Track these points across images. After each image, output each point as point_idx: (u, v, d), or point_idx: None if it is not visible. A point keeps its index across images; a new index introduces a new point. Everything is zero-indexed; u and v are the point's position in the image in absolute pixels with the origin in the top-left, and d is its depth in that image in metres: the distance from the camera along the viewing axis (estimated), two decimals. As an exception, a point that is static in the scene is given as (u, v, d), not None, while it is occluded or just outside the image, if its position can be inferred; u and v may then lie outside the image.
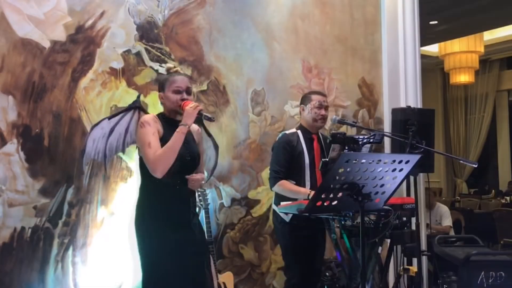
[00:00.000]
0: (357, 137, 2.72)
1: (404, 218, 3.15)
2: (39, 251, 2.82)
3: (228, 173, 3.55)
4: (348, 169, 2.01)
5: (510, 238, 6.51)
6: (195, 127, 2.60)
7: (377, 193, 2.24)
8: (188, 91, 2.49)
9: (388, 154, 2.30)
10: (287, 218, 3.01)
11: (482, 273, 3.49)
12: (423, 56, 10.34)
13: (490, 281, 3.48)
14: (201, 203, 3.25)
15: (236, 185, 3.58)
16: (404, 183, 4.06)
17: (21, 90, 2.80)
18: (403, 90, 4.49)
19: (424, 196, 4.52)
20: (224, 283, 3.22)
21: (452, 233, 5.94)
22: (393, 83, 4.48)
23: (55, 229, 2.88)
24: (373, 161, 2.04)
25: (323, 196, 2.07)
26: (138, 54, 3.20)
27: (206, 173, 3.21)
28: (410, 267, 3.71)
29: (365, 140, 2.72)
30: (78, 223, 2.95)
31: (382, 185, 2.22)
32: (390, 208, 2.79)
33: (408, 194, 4.09)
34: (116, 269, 3.02)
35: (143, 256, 2.39)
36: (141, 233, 2.42)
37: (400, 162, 2.15)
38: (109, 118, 2.69)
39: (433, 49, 10.03)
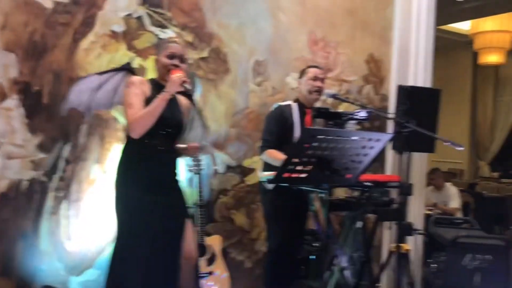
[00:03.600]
0: (341, 112, 2.74)
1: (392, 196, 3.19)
2: (34, 203, 2.98)
3: (225, 140, 3.63)
4: (314, 144, 2.06)
5: (522, 224, 6.43)
6: (184, 100, 2.67)
7: (347, 168, 2.28)
8: (182, 59, 2.55)
9: (356, 131, 2.33)
10: (269, 187, 3.09)
11: (469, 255, 3.52)
12: (453, 34, 10.10)
13: (476, 263, 3.51)
14: (195, 168, 3.35)
15: (231, 152, 3.65)
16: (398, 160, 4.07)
17: (23, 48, 2.91)
18: (412, 69, 4.42)
19: (423, 176, 4.50)
20: (211, 245, 3.34)
21: (459, 215, 5.92)
22: (402, 61, 4.40)
23: (50, 183, 3.03)
24: (340, 137, 2.08)
25: (290, 167, 2.12)
26: (139, 18, 3.27)
27: None
28: (402, 245, 3.74)
29: (350, 116, 2.74)
30: (72, 178, 3.10)
31: (352, 161, 2.26)
32: (371, 184, 2.83)
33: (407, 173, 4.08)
34: (107, 224, 3.17)
35: (116, 214, 2.51)
36: (116, 192, 2.52)
37: (369, 140, 2.18)
38: (100, 74, 2.72)
39: (464, 26, 9.73)
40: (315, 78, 3.12)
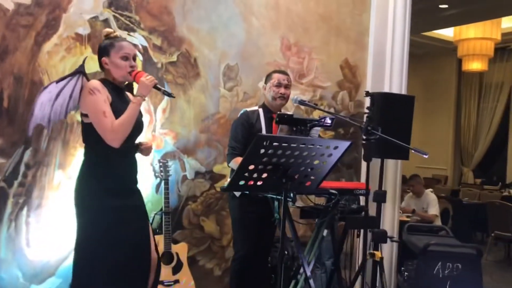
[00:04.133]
0: (305, 118, 2.69)
1: (359, 204, 3.16)
2: (-7, 209, 2.91)
3: (194, 146, 3.57)
4: (269, 151, 2.01)
5: (502, 231, 6.43)
6: (131, 97, 2.62)
7: (306, 176, 2.23)
8: (134, 57, 2.51)
9: (313, 139, 2.28)
10: (237, 193, 3.04)
11: (439, 263, 3.49)
12: (438, 40, 10.15)
13: (446, 272, 3.48)
14: (162, 173, 3.29)
15: (201, 158, 3.60)
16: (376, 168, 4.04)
17: (-18, 50, 2.85)
18: (388, 75, 4.41)
19: (398, 183, 4.47)
20: (177, 253, 3.28)
21: (438, 222, 5.89)
22: (378, 67, 4.39)
23: (10, 189, 2.95)
24: (296, 144, 2.03)
25: (246, 175, 2.07)
26: (105, 21, 3.21)
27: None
28: (376, 252, 3.70)
29: (314, 123, 2.70)
30: (34, 184, 3.02)
31: (311, 169, 2.21)
32: (335, 191, 2.79)
33: (380, 180, 4.04)
34: (70, 232, 3.09)
35: (80, 222, 2.44)
36: (81, 200, 2.46)
37: (327, 147, 2.14)
38: (57, 81, 2.63)
39: (449, 33, 9.78)
40: (279, 84, 3.08)
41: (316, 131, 2.81)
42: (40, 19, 3.00)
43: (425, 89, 11.77)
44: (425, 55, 11.60)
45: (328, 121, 2.71)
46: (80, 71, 2.43)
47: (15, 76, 2.94)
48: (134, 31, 3.30)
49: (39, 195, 3.04)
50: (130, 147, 2.53)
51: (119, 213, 2.42)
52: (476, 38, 8.83)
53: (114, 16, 3.23)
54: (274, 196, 2.72)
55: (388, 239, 4.03)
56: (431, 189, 8.83)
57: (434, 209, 5.95)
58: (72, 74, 2.43)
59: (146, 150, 2.65)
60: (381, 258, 3.66)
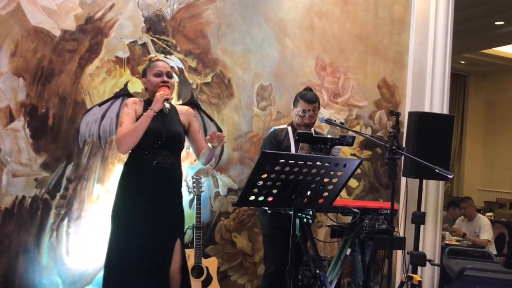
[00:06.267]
0: (325, 137, 2.73)
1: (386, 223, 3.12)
2: (37, 219, 3.14)
3: (227, 163, 3.69)
4: (276, 168, 2.07)
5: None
6: (183, 108, 2.83)
7: (318, 193, 2.27)
8: (169, 75, 2.72)
9: (320, 156, 2.31)
10: (268, 209, 3.10)
11: (475, 288, 3.36)
12: (498, 58, 9.79)
13: (484, 297, 3.34)
14: (195, 189, 3.42)
15: (234, 175, 3.70)
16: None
17: (31, 73, 3.12)
18: (428, 94, 4.35)
19: (440, 204, 4.36)
20: (207, 267, 3.38)
21: (491, 247, 5.64)
22: (418, 86, 4.34)
23: (53, 201, 3.19)
24: (303, 162, 2.08)
25: (255, 191, 2.14)
26: (144, 45, 3.42)
27: (214, 159, 3.42)
28: (414, 275, 3.63)
29: (336, 141, 2.73)
30: (74, 197, 3.24)
31: (322, 186, 2.25)
32: (357, 210, 2.80)
33: (419, 201, 3.95)
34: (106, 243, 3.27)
35: (111, 222, 2.68)
36: (114, 202, 2.69)
37: (336, 165, 2.17)
38: (100, 104, 3.02)
39: (510, 50, 9.43)
40: (304, 114, 3.14)
41: (338, 149, 2.84)
42: (83, 44, 3.25)
43: (488, 109, 11.34)
44: (486, 73, 11.21)
45: (349, 139, 2.73)
46: (123, 94, 2.68)
47: (60, 97, 3.19)
48: (170, 54, 3.49)
49: (79, 207, 3.25)
50: (162, 155, 2.65)
51: (141, 218, 2.60)
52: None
53: (152, 40, 3.44)
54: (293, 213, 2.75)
55: (428, 263, 3.96)
56: (491, 213, 8.47)
57: (486, 234, 5.70)
58: (114, 97, 2.68)
59: (213, 137, 2.65)
60: (420, 282, 3.58)
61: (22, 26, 3.09)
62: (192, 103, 3.32)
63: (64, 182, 3.21)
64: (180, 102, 3.50)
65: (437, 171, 2.74)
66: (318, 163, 2.12)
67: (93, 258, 3.27)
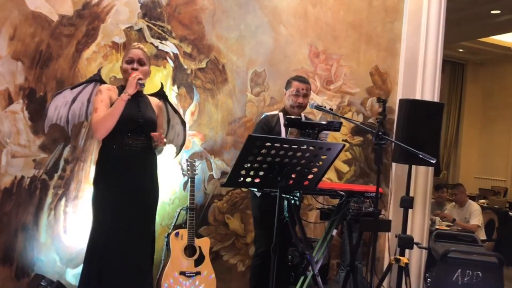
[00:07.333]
0: (313, 122, 2.83)
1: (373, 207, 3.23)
2: (35, 198, 3.26)
3: (221, 147, 3.79)
4: (262, 151, 2.17)
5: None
6: (155, 100, 2.92)
7: (303, 176, 2.37)
8: (140, 62, 2.80)
9: (303, 140, 2.40)
10: (257, 193, 3.21)
11: (459, 270, 3.49)
12: (496, 47, 9.83)
13: (465, 279, 3.48)
14: (189, 172, 3.53)
15: (227, 159, 3.80)
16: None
17: (29, 57, 3.20)
18: (419, 82, 4.42)
19: (429, 189, 4.46)
20: (200, 247, 3.49)
21: (480, 232, 5.78)
22: (409, 74, 4.42)
23: (51, 181, 3.29)
24: (288, 145, 2.18)
25: (242, 172, 2.25)
26: (140, 30, 3.50)
27: (175, 148, 3.52)
28: (401, 258, 3.75)
29: (323, 126, 2.82)
30: (72, 178, 3.35)
31: (307, 169, 2.35)
32: (343, 193, 2.90)
33: (408, 186, 4.05)
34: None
35: (92, 208, 2.78)
36: (93, 189, 2.79)
37: (320, 149, 2.27)
38: (71, 88, 3.08)
39: (509, 39, 9.48)
40: (297, 94, 3.23)
41: (326, 134, 2.93)
42: (81, 29, 3.33)
43: (485, 97, 11.40)
44: (484, 62, 11.25)
45: (337, 125, 2.82)
46: (96, 79, 2.76)
47: (58, 80, 3.28)
48: (166, 39, 3.57)
49: (76, 188, 3.36)
50: (137, 140, 2.75)
51: (118, 202, 2.71)
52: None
53: (147, 26, 3.52)
54: (283, 196, 2.86)
55: (415, 246, 4.07)
56: (484, 201, 8.59)
57: (476, 220, 5.83)
58: (87, 81, 2.77)
59: (157, 139, 2.78)
60: (406, 264, 3.70)
61: (20, 10, 3.17)
62: (159, 94, 3.40)
63: (61, 163, 3.32)
64: (175, 87, 3.59)
65: (420, 156, 2.85)
66: (302, 146, 2.21)
67: (90, 237, 3.39)
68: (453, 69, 11.27)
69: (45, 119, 3.03)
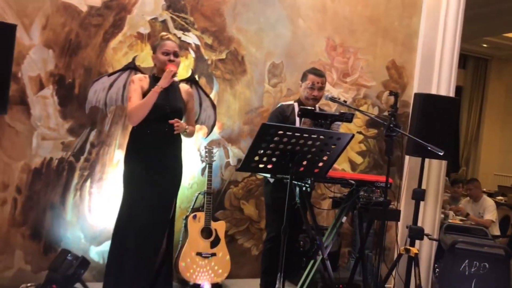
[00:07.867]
0: (326, 113, 2.95)
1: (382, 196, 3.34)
2: (63, 179, 3.46)
3: (238, 136, 3.94)
4: (275, 138, 2.32)
5: None
6: (185, 86, 3.07)
7: (314, 163, 2.51)
8: (176, 54, 2.96)
9: (315, 129, 2.53)
10: (270, 179, 3.36)
11: (466, 261, 3.58)
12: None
13: (472, 270, 3.57)
14: (207, 158, 3.69)
15: (244, 147, 3.96)
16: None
17: (59, 45, 3.40)
18: (436, 77, 4.48)
19: (442, 183, 4.55)
20: (216, 229, 3.67)
21: (495, 228, 5.83)
22: (426, 69, 4.48)
23: (77, 163, 3.50)
24: (300, 134, 2.32)
25: (256, 158, 2.40)
26: (164, 22, 3.66)
27: (206, 128, 3.71)
28: (411, 248, 3.86)
29: (335, 117, 2.95)
30: (97, 160, 3.55)
31: (318, 157, 2.48)
32: (353, 182, 3.03)
33: (420, 178, 4.14)
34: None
35: (123, 186, 2.96)
36: (124, 168, 2.98)
37: (330, 138, 2.40)
38: (109, 75, 3.36)
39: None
40: (313, 87, 3.34)
41: (338, 125, 3.06)
42: (108, 20, 3.51)
43: (508, 94, 11.29)
44: (509, 58, 11.13)
45: (349, 116, 2.95)
46: (129, 67, 2.94)
47: (85, 68, 3.47)
48: (188, 31, 3.73)
49: (101, 170, 3.56)
50: (163, 127, 2.92)
51: (147, 183, 2.89)
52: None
53: (171, 17, 3.68)
54: (295, 182, 3.00)
55: (426, 237, 4.17)
56: (502, 197, 8.57)
57: (490, 215, 5.88)
58: (123, 69, 2.96)
59: (177, 126, 2.94)
60: (416, 254, 3.81)
61: (52, 1, 3.36)
62: (191, 79, 3.61)
63: (88, 146, 3.52)
64: (196, 77, 3.75)
65: (429, 148, 2.96)
66: (313, 135, 2.35)
67: (113, 216, 3.57)
68: (476, 64, 11.17)
69: (86, 102, 3.38)
